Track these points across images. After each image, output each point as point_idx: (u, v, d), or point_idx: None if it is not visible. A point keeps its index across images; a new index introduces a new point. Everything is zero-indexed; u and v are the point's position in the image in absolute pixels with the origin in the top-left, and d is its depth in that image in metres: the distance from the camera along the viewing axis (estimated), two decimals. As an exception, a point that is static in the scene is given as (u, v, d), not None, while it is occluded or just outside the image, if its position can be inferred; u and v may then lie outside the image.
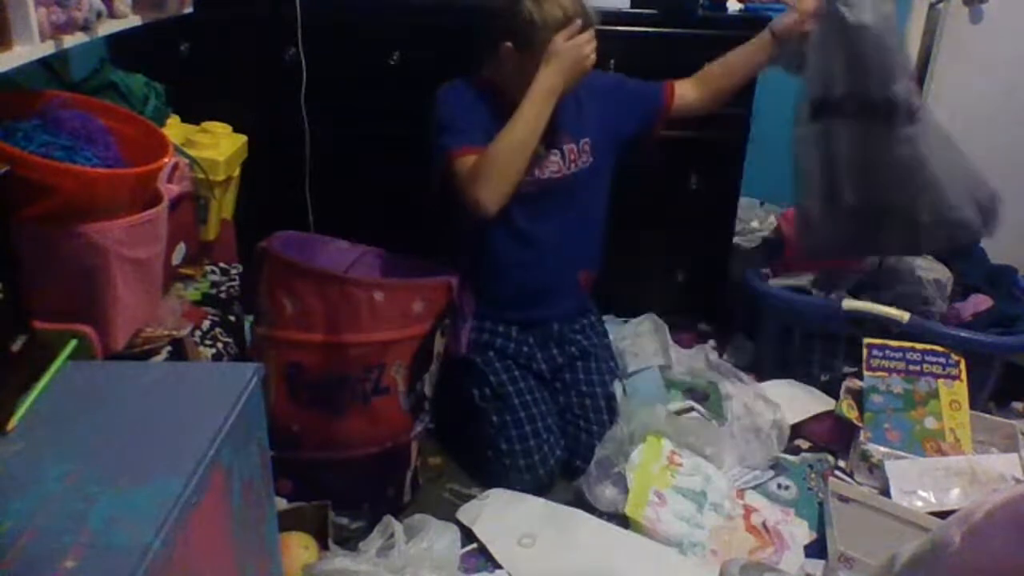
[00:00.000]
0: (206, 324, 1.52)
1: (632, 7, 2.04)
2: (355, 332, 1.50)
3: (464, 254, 1.79)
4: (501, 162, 1.60)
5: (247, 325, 1.72)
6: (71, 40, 1.24)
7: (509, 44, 1.68)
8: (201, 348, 1.46)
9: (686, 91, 1.90)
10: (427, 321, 1.56)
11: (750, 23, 2.13)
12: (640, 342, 2.19)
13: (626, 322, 2.28)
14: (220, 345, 1.53)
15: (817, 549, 1.61)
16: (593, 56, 1.67)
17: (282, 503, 1.48)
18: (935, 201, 1.89)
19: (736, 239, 2.37)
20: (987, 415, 1.95)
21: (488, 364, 1.77)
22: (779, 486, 1.79)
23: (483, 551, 1.54)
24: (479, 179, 1.60)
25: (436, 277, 1.63)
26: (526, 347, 1.83)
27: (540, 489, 1.71)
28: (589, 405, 1.81)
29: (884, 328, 1.96)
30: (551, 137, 1.76)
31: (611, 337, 2.19)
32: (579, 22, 1.64)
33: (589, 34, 1.66)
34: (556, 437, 1.76)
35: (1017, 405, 2.08)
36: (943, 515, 1.46)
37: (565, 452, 1.77)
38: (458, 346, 1.70)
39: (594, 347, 1.90)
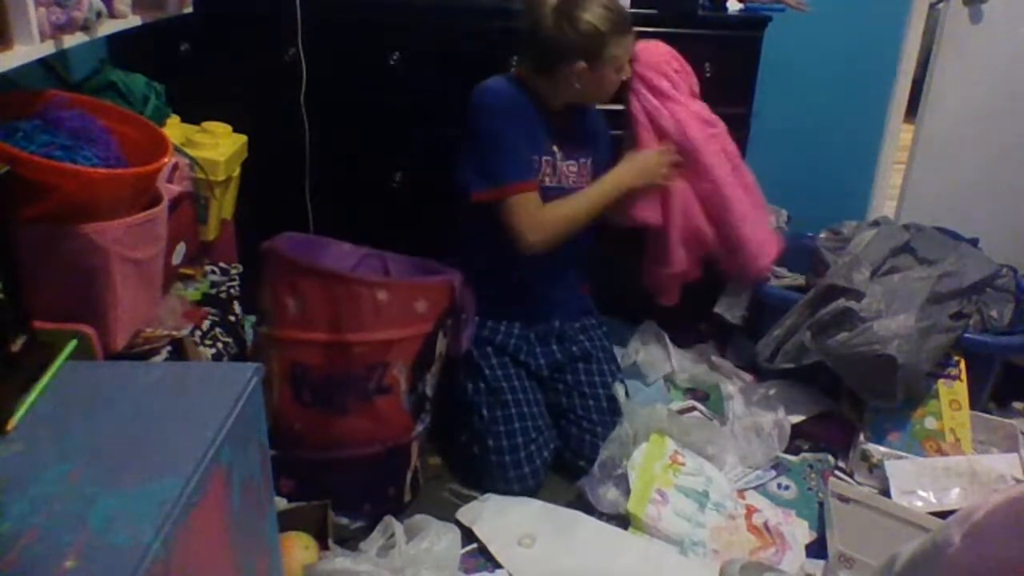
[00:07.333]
0: (206, 324, 1.52)
1: (632, 7, 2.03)
2: (358, 331, 1.50)
3: (471, 252, 1.79)
4: (563, 229, 1.75)
5: (247, 325, 1.73)
6: (71, 40, 1.24)
7: (583, 64, 1.72)
8: (201, 348, 1.46)
9: None
10: (430, 321, 1.56)
11: (750, 23, 2.14)
12: (650, 352, 2.19)
13: (632, 331, 2.26)
14: (220, 345, 1.53)
15: (817, 549, 1.61)
16: (667, 173, 1.87)
17: (282, 503, 1.48)
18: None
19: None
20: (987, 415, 1.95)
21: (485, 358, 1.78)
22: (779, 486, 1.79)
23: (483, 551, 1.54)
24: (538, 230, 1.71)
25: (439, 277, 1.63)
26: (526, 344, 1.84)
27: (526, 490, 1.70)
28: (592, 406, 1.81)
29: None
30: (571, 148, 1.82)
31: (623, 350, 2.19)
32: (673, 146, 1.86)
33: (673, 154, 1.87)
34: (546, 438, 1.76)
35: (1017, 405, 2.08)
36: (943, 515, 1.46)
37: (553, 454, 1.77)
38: (459, 346, 1.70)
39: (595, 348, 1.91)
